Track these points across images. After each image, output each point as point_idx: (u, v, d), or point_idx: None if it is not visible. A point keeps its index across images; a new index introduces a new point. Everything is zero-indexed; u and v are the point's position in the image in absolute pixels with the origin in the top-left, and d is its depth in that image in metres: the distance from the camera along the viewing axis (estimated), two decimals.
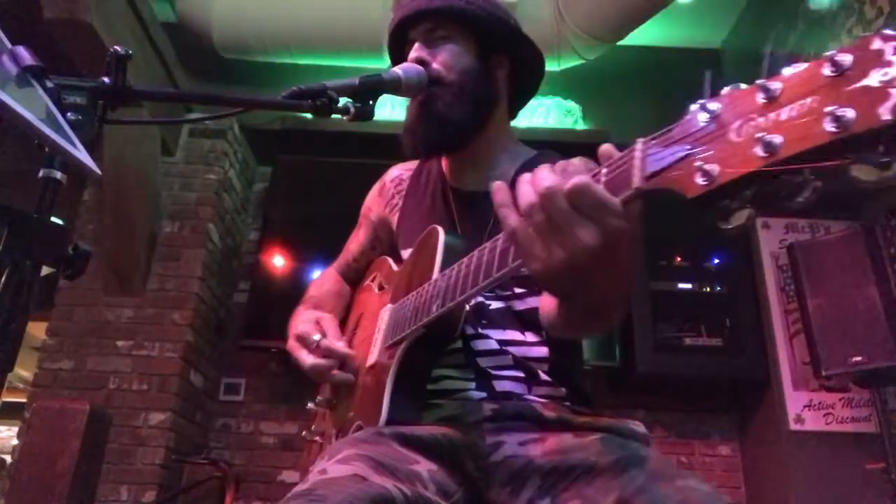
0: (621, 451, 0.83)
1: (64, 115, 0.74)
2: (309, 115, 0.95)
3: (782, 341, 3.02)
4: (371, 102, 0.99)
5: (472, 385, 1.01)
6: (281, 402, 3.29)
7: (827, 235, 3.00)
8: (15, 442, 2.88)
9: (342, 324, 1.28)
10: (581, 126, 3.46)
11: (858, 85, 0.42)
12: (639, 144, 0.57)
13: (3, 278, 0.67)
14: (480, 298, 1.04)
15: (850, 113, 0.42)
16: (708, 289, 3.15)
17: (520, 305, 1.06)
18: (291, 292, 3.26)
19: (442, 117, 1.09)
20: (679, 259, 3.20)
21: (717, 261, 3.20)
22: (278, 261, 3.31)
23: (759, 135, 0.46)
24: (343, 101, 0.97)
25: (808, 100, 0.44)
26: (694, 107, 0.51)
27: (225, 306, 3.44)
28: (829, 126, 0.42)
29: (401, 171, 1.34)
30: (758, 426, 3.10)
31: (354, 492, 0.74)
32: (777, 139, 0.45)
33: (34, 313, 0.70)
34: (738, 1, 3.38)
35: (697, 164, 0.49)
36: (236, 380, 3.35)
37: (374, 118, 1.00)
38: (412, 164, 1.32)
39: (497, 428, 0.96)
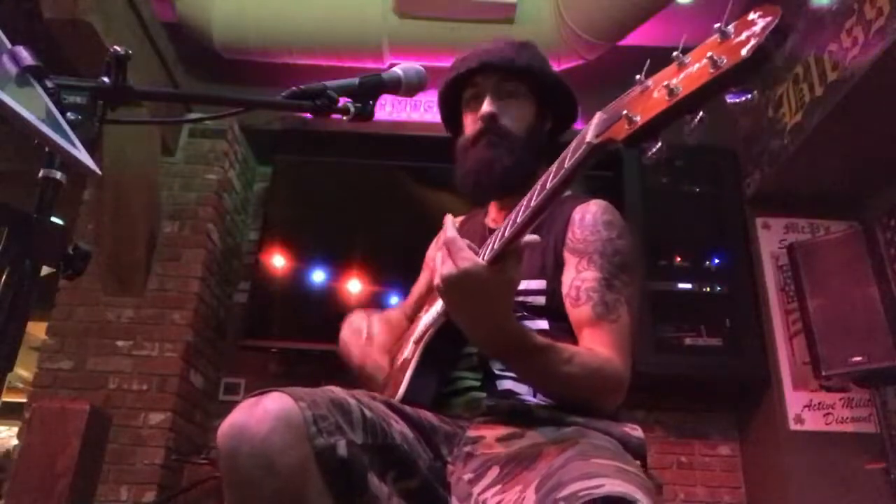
0: (570, 438, 0.87)
1: (64, 115, 0.74)
2: (309, 115, 0.96)
3: (782, 341, 3.02)
4: (371, 102, 1.00)
5: (478, 384, 1.08)
6: None
7: (827, 235, 2.99)
8: (15, 442, 2.87)
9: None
10: (580, 126, 3.46)
11: (733, 41, 0.60)
12: (596, 115, 0.75)
13: (3, 278, 0.67)
14: None
15: (723, 58, 0.59)
16: (708, 289, 3.15)
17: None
18: (291, 292, 3.31)
19: (510, 172, 1.18)
20: (679, 259, 3.20)
21: (717, 261, 3.19)
22: (278, 261, 3.31)
23: (667, 84, 0.64)
24: (343, 101, 0.97)
25: (704, 58, 0.62)
26: (637, 80, 0.69)
27: (225, 306, 3.44)
28: (710, 69, 0.60)
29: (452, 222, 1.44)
30: (758, 426, 3.10)
31: (316, 391, 0.88)
32: (679, 87, 0.63)
33: (34, 313, 0.70)
34: (738, 1, 3.38)
35: (626, 115, 0.68)
36: (236, 380, 3.35)
37: (374, 118, 1.01)
38: (463, 217, 1.45)
39: (485, 422, 1.02)
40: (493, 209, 1.32)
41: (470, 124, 1.24)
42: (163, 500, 2.76)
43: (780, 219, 3.24)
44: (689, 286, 3.13)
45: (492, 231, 1.24)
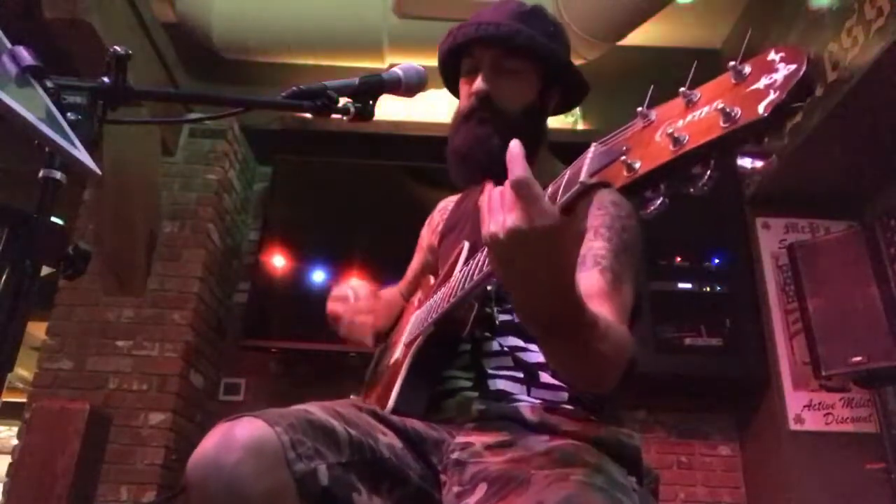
0: (561, 468, 0.83)
1: (64, 115, 0.74)
2: (309, 115, 0.96)
3: (782, 341, 3.02)
4: (371, 102, 1.00)
5: (469, 384, 1.05)
6: (281, 402, 3.26)
7: (827, 235, 3.00)
8: (15, 442, 2.87)
9: (387, 335, 1.36)
10: (581, 126, 3.46)
11: (750, 88, 0.52)
12: (592, 147, 0.66)
13: (3, 278, 0.67)
14: (488, 310, 1.07)
15: (737, 111, 0.51)
16: (708, 289, 3.15)
17: None
18: (291, 292, 3.32)
19: (497, 154, 1.08)
20: (679, 259, 3.20)
21: (717, 261, 3.19)
22: (278, 261, 3.31)
23: (671, 132, 0.55)
24: (343, 101, 0.97)
25: (715, 103, 0.53)
26: (639, 112, 0.61)
27: (225, 306, 3.44)
28: (722, 122, 0.52)
29: (447, 203, 1.42)
30: (758, 426, 3.10)
31: (294, 413, 0.83)
32: (685, 136, 0.54)
33: (34, 313, 0.70)
34: (738, 1, 3.38)
35: (625, 160, 0.59)
36: (236, 380, 3.35)
37: (374, 118, 1.00)
38: (458, 196, 1.39)
39: (475, 428, 0.99)
40: (488, 189, 1.26)
41: (464, 98, 1.17)
42: (163, 500, 2.76)
43: (780, 219, 3.24)
44: (689, 286, 3.14)
45: None
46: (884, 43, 2.25)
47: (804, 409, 2.91)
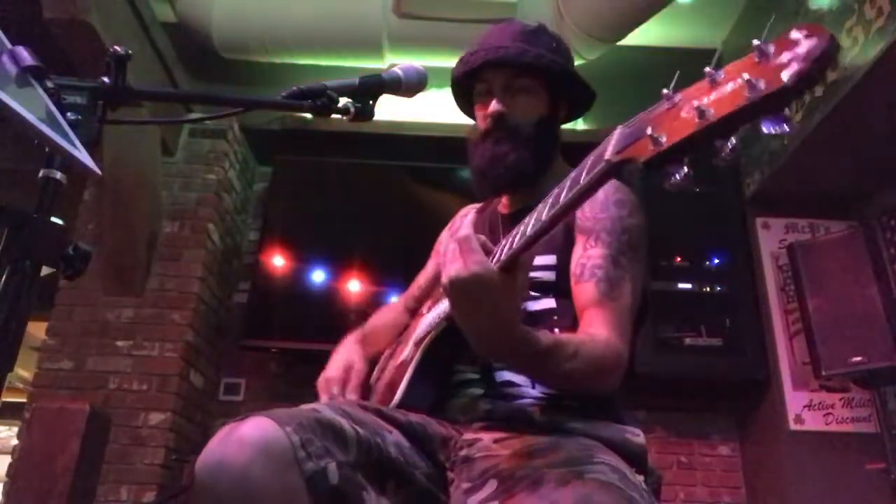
0: (572, 467, 0.84)
1: (64, 115, 0.74)
2: (309, 115, 0.96)
3: (782, 341, 3.02)
4: (371, 102, 1.00)
5: (476, 376, 1.07)
6: (280, 402, 3.27)
7: (827, 235, 2.99)
8: (15, 442, 2.87)
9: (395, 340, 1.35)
10: (581, 126, 3.46)
11: (773, 62, 0.55)
12: (618, 129, 0.68)
13: (3, 278, 0.67)
14: None
15: (762, 82, 0.54)
16: (708, 289, 3.15)
17: (533, 306, 1.10)
18: (291, 292, 3.32)
19: (515, 168, 1.18)
20: (679, 259, 3.20)
21: (717, 261, 3.19)
22: (278, 261, 3.31)
23: (696, 106, 0.58)
24: (343, 101, 0.97)
25: (739, 78, 0.56)
26: (664, 94, 0.63)
27: (225, 306, 3.44)
28: (746, 93, 0.55)
29: (469, 209, 1.44)
30: (758, 426, 3.10)
31: (303, 412, 0.84)
32: (710, 109, 0.57)
33: (34, 313, 0.70)
34: (738, 1, 3.38)
35: (651, 134, 0.61)
36: (236, 380, 3.35)
37: (374, 118, 1.01)
38: (480, 204, 1.43)
39: (482, 427, 1.00)
40: (506, 196, 1.31)
41: (480, 119, 1.24)
42: (163, 500, 2.76)
43: (780, 219, 3.24)
44: (689, 286, 3.13)
45: (503, 217, 1.26)
46: (884, 43, 2.25)
47: (804, 409, 2.91)
